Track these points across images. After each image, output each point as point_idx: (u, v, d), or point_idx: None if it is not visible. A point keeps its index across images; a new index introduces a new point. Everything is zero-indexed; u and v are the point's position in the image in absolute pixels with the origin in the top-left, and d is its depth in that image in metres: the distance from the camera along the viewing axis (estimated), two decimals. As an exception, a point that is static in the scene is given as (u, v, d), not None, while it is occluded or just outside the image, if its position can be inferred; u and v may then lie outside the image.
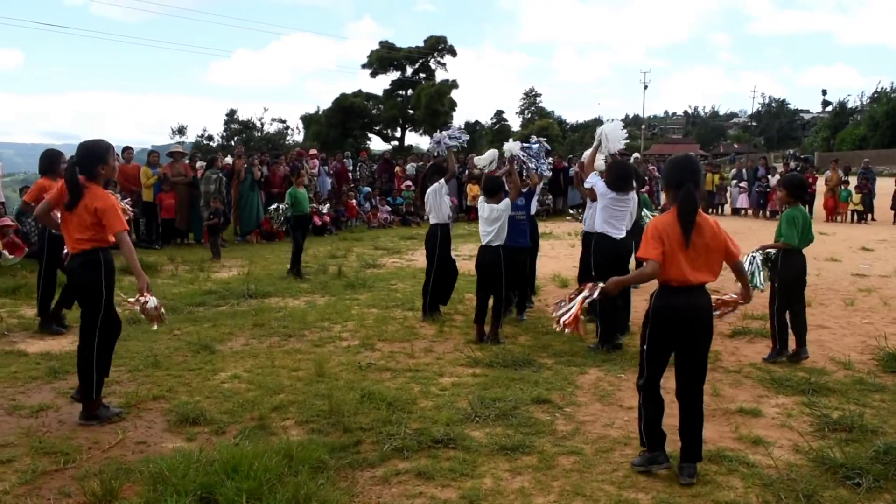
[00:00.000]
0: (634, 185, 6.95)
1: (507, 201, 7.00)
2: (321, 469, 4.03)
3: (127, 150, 14.65)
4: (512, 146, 7.51)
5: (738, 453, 4.31)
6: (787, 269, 6.18)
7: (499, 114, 66.38)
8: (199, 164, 14.95)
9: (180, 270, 11.27)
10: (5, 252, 11.03)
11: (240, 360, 6.25)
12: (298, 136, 37.69)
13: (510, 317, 7.86)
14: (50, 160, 7.24)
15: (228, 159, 16.02)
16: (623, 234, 6.69)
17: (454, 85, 41.14)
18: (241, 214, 15.45)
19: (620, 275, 6.54)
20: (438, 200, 7.84)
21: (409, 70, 42.57)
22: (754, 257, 6.18)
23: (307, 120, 40.55)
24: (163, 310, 4.91)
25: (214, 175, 14.35)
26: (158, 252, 13.29)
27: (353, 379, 5.73)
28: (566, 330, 4.24)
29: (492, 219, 6.94)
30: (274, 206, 11.67)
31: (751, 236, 15.60)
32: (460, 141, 8.09)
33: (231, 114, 35.19)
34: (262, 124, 35.11)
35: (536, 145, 8.14)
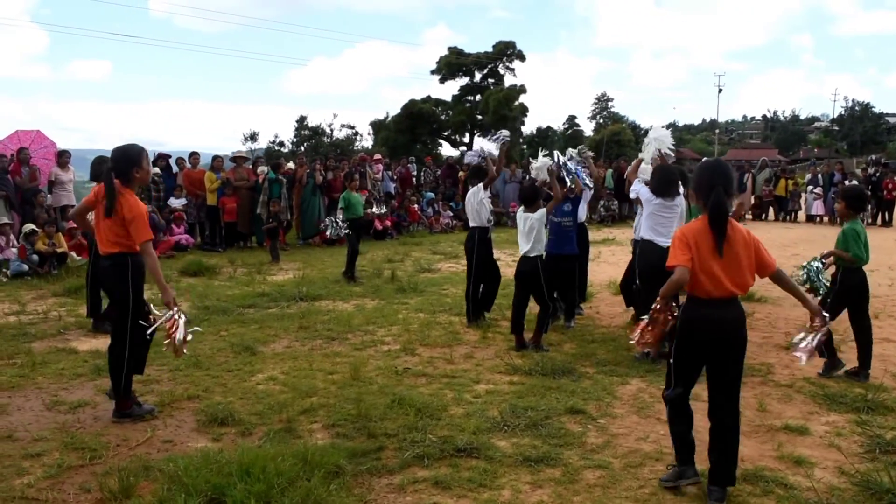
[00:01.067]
0: (682, 190, 6.67)
1: (542, 211, 6.85)
2: (337, 474, 3.98)
3: (193, 155, 15.09)
4: (542, 163, 7.30)
5: (777, 474, 4.06)
6: (845, 285, 5.82)
7: (571, 119, 65.70)
8: (260, 168, 15.23)
9: (238, 273, 11.48)
10: (73, 253, 11.50)
11: (279, 362, 6.29)
12: (367, 142, 38.27)
13: (557, 324, 7.68)
14: (102, 166, 7.43)
15: (291, 164, 16.29)
16: (669, 243, 6.41)
17: (522, 90, 40.89)
18: (303, 219, 15.67)
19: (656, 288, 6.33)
20: (476, 204, 7.73)
21: (478, 75, 42.58)
22: (811, 265, 5.85)
23: (377, 126, 41.05)
24: (186, 342, 4.87)
25: (275, 180, 14.60)
26: (220, 255, 13.59)
27: (388, 384, 5.68)
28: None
29: (528, 228, 6.79)
30: (328, 217, 11.70)
31: (824, 245, 14.90)
32: (502, 140, 7.96)
33: (301, 120, 35.99)
34: (332, 130, 35.78)
35: (572, 159, 7.95)
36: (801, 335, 4.02)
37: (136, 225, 4.73)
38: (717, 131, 62.68)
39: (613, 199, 20.61)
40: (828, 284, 5.97)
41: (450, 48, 42.28)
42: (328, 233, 11.17)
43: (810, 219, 20.47)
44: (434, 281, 10.83)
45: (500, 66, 42.50)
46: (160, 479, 3.85)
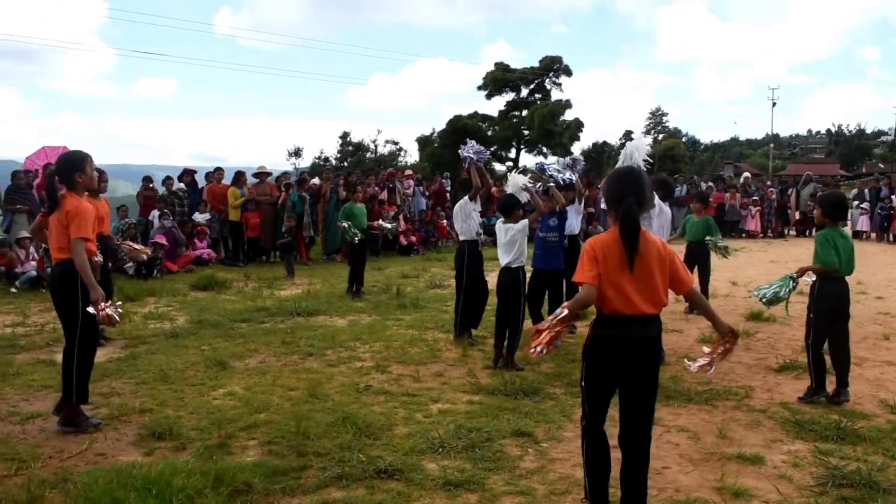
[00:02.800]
0: (658, 198, 6.45)
1: (524, 222, 6.68)
2: (246, 492, 3.90)
3: (217, 170, 15.37)
4: (514, 181, 7.11)
5: (711, 506, 3.80)
6: (824, 297, 5.48)
7: (627, 134, 64.69)
8: (285, 183, 15.38)
9: (249, 287, 11.58)
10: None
11: (245, 378, 6.26)
12: (413, 158, 38.42)
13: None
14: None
15: (316, 180, 16.45)
16: None
17: (567, 105, 40.52)
18: (327, 234, 15.76)
19: None
20: (464, 217, 7.59)
21: (525, 91, 42.39)
22: (789, 281, 5.54)
23: (422, 142, 41.21)
24: (113, 311, 4.89)
25: (297, 195, 14.75)
26: (239, 269, 13.75)
27: (343, 401, 5.59)
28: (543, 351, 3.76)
29: (509, 239, 6.63)
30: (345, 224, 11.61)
31: (871, 261, 14.25)
32: (483, 156, 7.80)
33: (344, 136, 36.38)
34: (376, 146, 36.02)
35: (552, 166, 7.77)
36: (706, 351, 3.76)
37: (77, 221, 4.80)
38: (771, 145, 60.72)
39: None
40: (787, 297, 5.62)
41: (496, 64, 42.27)
42: (349, 239, 11.04)
43: (856, 235, 19.58)
44: (440, 297, 10.71)
45: (547, 81, 42.30)
46: (70, 492, 3.84)
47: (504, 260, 6.72)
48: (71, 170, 4.95)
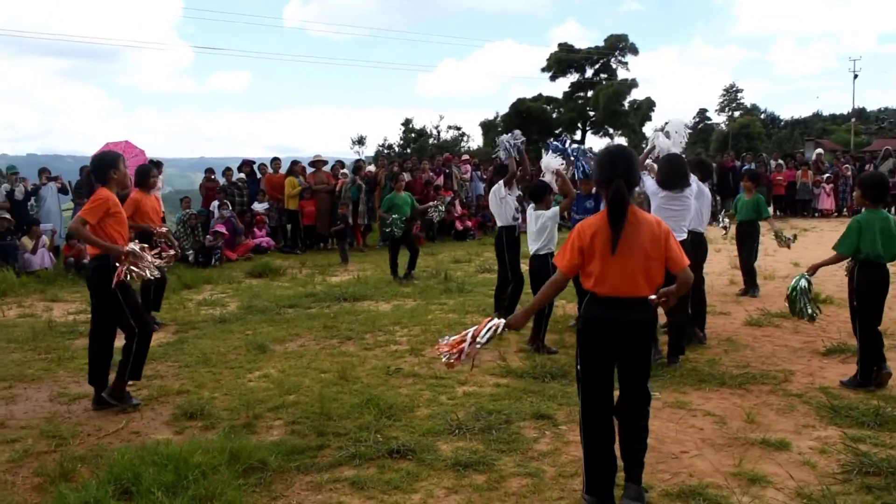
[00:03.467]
0: (693, 181, 6.27)
1: (555, 209, 6.62)
2: (261, 469, 4.03)
3: (275, 160, 15.71)
4: (550, 162, 7.01)
5: (720, 492, 3.73)
6: (864, 282, 5.26)
7: (701, 112, 62.93)
8: (342, 172, 15.63)
9: (303, 274, 11.84)
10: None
11: (282, 361, 6.43)
12: (476, 143, 38.33)
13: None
14: (142, 174, 7.90)
15: (373, 167, 16.63)
16: (684, 236, 6.02)
17: (633, 84, 39.62)
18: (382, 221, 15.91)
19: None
20: (499, 202, 7.56)
21: (590, 71, 41.63)
22: (798, 285, 5.35)
23: (486, 126, 41.01)
24: (148, 263, 5.15)
25: (352, 183, 14.95)
26: (297, 257, 14.06)
27: (372, 384, 5.68)
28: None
29: (539, 227, 6.57)
30: (390, 217, 11.72)
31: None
32: (517, 140, 7.72)
33: (406, 123, 36.58)
34: (438, 132, 36.09)
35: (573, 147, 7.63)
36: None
37: (88, 205, 5.06)
38: (853, 120, 57.84)
39: (715, 193, 19.53)
40: (817, 308, 5.43)
41: (560, 44, 41.61)
42: (395, 232, 11.17)
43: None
44: (487, 281, 10.69)
45: (613, 60, 41.45)
46: (98, 467, 4.05)
47: (533, 247, 6.69)
48: (106, 167, 5.18)
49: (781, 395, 5.25)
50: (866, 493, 3.66)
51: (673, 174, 5.99)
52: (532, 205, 6.78)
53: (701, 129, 56.61)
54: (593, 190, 7.43)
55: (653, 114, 43.40)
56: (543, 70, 42.16)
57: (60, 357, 6.60)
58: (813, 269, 5.45)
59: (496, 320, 3.66)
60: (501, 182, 7.61)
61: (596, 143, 44.71)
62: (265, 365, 6.31)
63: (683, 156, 6.36)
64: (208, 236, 12.91)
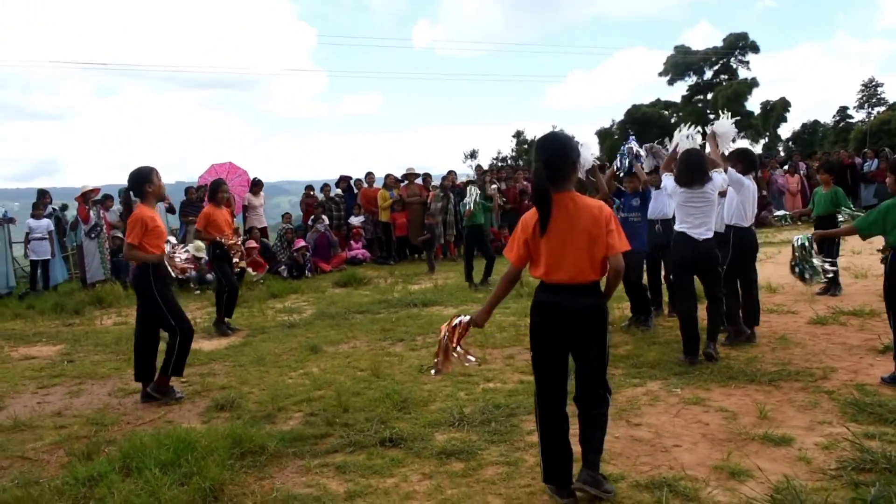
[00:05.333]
0: (718, 175, 6.05)
1: None
2: (259, 453, 4.29)
3: (368, 175, 16.28)
4: (587, 154, 6.87)
5: (692, 484, 3.61)
6: (893, 270, 4.90)
7: (842, 110, 58.94)
8: (432, 185, 15.96)
9: (387, 283, 12.20)
10: (249, 269, 13.01)
11: (328, 360, 6.73)
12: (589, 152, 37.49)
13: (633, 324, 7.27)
14: (212, 189, 8.49)
15: (463, 178, 16.87)
16: (708, 235, 5.82)
17: (754, 84, 37.71)
18: (476, 230, 16.09)
19: (709, 278, 5.78)
20: None
21: (709, 73, 40.08)
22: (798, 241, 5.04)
23: (602, 135, 40.33)
24: (188, 260, 5.72)
25: (442, 194, 15.24)
26: (389, 267, 14.49)
27: (401, 380, 5.85)
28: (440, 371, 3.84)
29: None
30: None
31: None
32: (639, 160, 7.56)
33: (518, 135, 36.61)
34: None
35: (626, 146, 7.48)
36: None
37: (129, 229, 5.49)
38: None
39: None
40: (822, 270, 5.05)
41: (676, 47, 40.39)
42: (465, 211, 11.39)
43: None
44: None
45: (733, 60, 39.71)
46: (118, 447, 4.45)
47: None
48: (141, 182, 5.65)
49: (811, 392, 4.95)
50: (852, 489, 3.43)
51: (687, 171, 5.84)
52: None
53: (841, 128, 52.98)
54: (640, 188, 7.31)
55: (788, 114, 41.21)
56: (661, 74, 41.13)
57: (132, 358, 7.19)
58: (819, 236, 5.15)
59: (459, 318, 3.76)
60: None
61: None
62: (311, 364, 6.62)
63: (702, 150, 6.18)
64: (294, 251, 13.54)
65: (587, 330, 3.41)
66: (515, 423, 4.63)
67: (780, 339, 6.40)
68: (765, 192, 18.55)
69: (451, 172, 16.16)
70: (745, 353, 6.04)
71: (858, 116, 56.52)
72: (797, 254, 5.34)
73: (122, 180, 5.94)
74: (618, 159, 7.65)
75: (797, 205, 17.95)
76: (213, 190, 8.50)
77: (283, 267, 13.52)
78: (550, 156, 3.39)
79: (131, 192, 5.70)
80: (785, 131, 44.90)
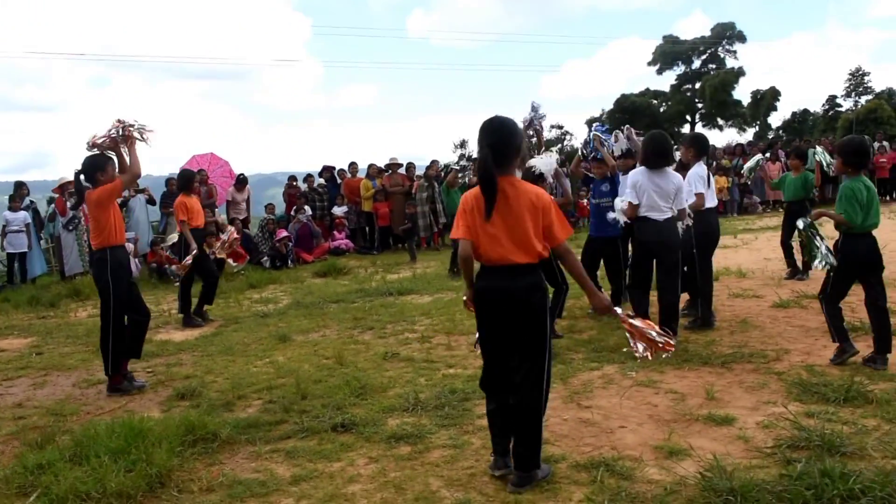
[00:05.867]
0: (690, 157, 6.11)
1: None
2: (211, 440, 4.32)
3: (351, 165, 16.28)
4: (547, 163, 6.85)
5: (631, 464, 3.67)
6: (849, 254, 4.96)
7: (831, 99, 58.80)
8: (416, 174, 15.99)
9: (367, 272, 12.23)
10: (230, 260, 13.00)
11: (295, 349, 6.76)
12: (578, 141, 37.56)
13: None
14: (185, 179, 8.51)
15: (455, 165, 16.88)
16: (668, 215, 5.85)
17: (740, 73, 37.71)
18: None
19: (667, 260, 5.79)
20: None
21: (697, 62, 40.05)
22: (808, 227, 5.08)
23: (591, 124, 40.14)
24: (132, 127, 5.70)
25: (426, 184, 15.27)
26: (371, 257, 14.51)
27: (364, 367, 5.89)
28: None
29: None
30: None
31: None
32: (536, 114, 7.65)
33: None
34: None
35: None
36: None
37: (106, 189, 5.56)
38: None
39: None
40: (824, 251, 5.09)
41: (664, 37, 40.31)
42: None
43: None
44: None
45: (720, 49, 39.72)
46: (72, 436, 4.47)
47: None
48: (94, 170, 5.66)
49: (762, 374, 5.02)
50: (784, 465, 3.48)
51: (653, 153, 5.87)
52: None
53: (830, 117, 52.93)
54: (608, 174, 7.34)
55: (778, 103, 41.16)
56: (650, 64, 41.13)
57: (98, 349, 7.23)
58: (818, 215, 5.20)
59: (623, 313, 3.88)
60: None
61: (704, 134, 42.89)
62: (278, 353, 6.66)
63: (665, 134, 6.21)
64: (276, 242, 13.56)
65: (522, 312, 3.45)
66: (468, 408, 4.67)
67: (741, 323, 6.46)
68: (748, 181, 18.62)
69: (434, 162, 16.18)
70: (703, 336, 6.10)
71: (847, 105, 56.50)
72: (803, 238, 5.28)
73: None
74: (583, 146, 7.69)
75: (778, 193, 18.02)
76: (187, 180, 8.51)
77: (265, 258, 13.54)
78: (498, 140, 3.42)
79: (83, 177, 5.73)
80: (775, 120, 44.92)
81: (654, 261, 5.98)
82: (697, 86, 38.44)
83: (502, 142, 3.43)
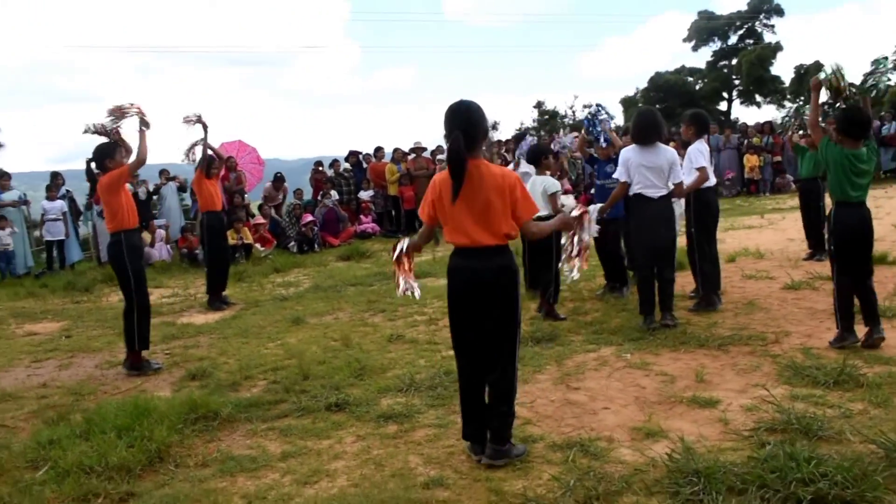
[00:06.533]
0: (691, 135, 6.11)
1: (555, 182, 6.65)
2: (212, 418, 4.52)
3: (377, 149, 16.42)
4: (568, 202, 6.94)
5: (607, 444, 3.77)
6: (839, 225, 4.94)
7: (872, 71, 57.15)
8: (439, 157, 16.06)
9: (389, 256, 12.36)
10: (257, 245, 13.32)
11: (307, 331, 6.96)
12: (618, 121, 37.08)
13: (608, 292, 7.36)
14: (208, 164, 8.74)
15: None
16: (663, 192, 5.87)
17: (777, 48, 36.70)
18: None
19: (658, 240, 5.81)
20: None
21: (734, 38, 39.08)
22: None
23: (626, 103, 39.77)
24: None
25: (449, 167, 15.35)
26: (396, 240, 14.62)
27: (369, 349, 6.05)
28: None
29: (542, 193, 6.58)
30: None
31: None
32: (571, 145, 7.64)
33: (538, 105, 36.34)
34: (574, 112, 35.49)
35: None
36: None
37: (114, 174, 5.80)
38: None
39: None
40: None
41: (699, 12, 39.47)
42: None
43: None
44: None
45: (758, 24, 38.72)
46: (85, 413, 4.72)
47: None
48: (103, 157, 5.89)
49: (758, 356, 5.04)
50: (758, 448, 3.53)
51: (639, 129, 5.91)
52: (534, 169, 6.83)
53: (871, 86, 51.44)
54: (612, 154, 7.35)
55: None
56: (685, 40, 40.34)
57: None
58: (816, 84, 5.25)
59: (401, 244, 4.07)
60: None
61: (742, 112, 42.03)
62: (290, 335, 6.86)
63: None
64: (302, 226, 13.81)
65: (492, 292, 3.55)
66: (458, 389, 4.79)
67: (747, 305, 6.45)
68: (779, 158, 18.28)
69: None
70: (706, 318, 6.12)
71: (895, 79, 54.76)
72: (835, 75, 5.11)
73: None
74: (587, 126, 7.69)
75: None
76: (207, 166, 8.72)
77: (292, 242, 13.80)
78: (467, 123, 3.50)
79: (93, 164, 5.98)
80: (821, 95, 43.95)
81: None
82: (734, 62, 37.62)
83: (472, 125, 3.51)
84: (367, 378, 5.21)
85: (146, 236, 12.91)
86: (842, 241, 4.95)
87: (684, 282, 7.08)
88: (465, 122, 3.50)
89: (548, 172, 6.73)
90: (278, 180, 15.50)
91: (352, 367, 5.39)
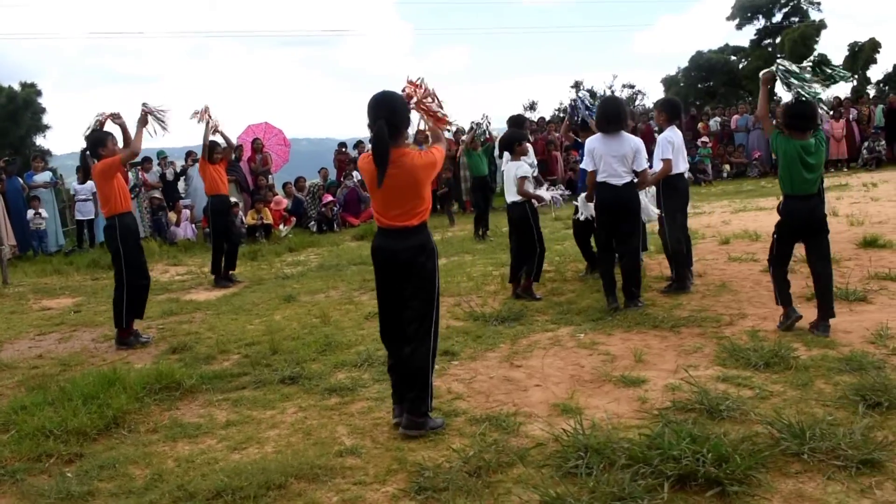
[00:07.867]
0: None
1: (530, 162, 6.77)
2: (175, 388, 4.83)
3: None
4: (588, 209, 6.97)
5: (519, 419, 3.94)
6: (786, 214, 5.01)
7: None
8: (463, 138, 16.18)
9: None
10: (279, 227, 13.69)
11: (294, 309, 7.26)
12: (651, 102, 36.65)
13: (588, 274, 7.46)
14: (209, 150, 9.06)
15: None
16: (627, 180, 5.95)
17: (822, 25, 35.57)
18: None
19: (625, 225, 5.89)
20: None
21: (779, 15, 38.03)
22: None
23: (667, 82, 39.16)
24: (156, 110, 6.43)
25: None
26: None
27: (344, 326, 6.31)
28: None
29: (512, 177, 6.72)
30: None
31: None
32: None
33: (576, 85, 35.97)
34: (613, 91, 35.04)
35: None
36: None
37: (106, 162, 6.14)
38: None
39: (881, 138, 17.51)
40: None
41: (744, -11, 38.54)
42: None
43: None
44: (552, 237, 10.78)
45: (803, 1, 37.54)
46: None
47: (510, 197, 6.87)
48: (96, 145, 6.23)
49: (706, 338, 5.14)
50: (663, 427, 3.65)
51: (604, 118, 5.98)
52: (507, 155, 6.97)
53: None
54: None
55: (878, 56, 38.69)
56: (728, 18, 39.37)
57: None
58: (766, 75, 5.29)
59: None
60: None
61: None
62: (277, 312, 7.16)
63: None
64: (322, 206, 14.15)
65: (409, 270, 3.77)
66: (411, 365, 5.01)
67: (719, 287, 6.51)
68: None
69: (477, 125, 16.31)
70: (672, 300, 6.21)
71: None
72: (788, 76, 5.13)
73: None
74: (570, 112, 7.77)
75: (841, 151, 17.31)
76: (209, 152, 9.03)
77: (312, 222, 14.16)
78: (390, 113, 3.70)
79: (88, 153, 6.32)
80: (876, 73, 42.28)
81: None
82: (778, 41, 36.60)
83: (395, 114, 3.71)
84: (330, 353, 5.46)
85: (172, 216, 13.42)
86: (790, 231, 5.02)
87: (664, 266, 7.16)
88: (388, 111, 3.70)
89: (521, 158, 6.84)
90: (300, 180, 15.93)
91: (318, 343, 5.65)
